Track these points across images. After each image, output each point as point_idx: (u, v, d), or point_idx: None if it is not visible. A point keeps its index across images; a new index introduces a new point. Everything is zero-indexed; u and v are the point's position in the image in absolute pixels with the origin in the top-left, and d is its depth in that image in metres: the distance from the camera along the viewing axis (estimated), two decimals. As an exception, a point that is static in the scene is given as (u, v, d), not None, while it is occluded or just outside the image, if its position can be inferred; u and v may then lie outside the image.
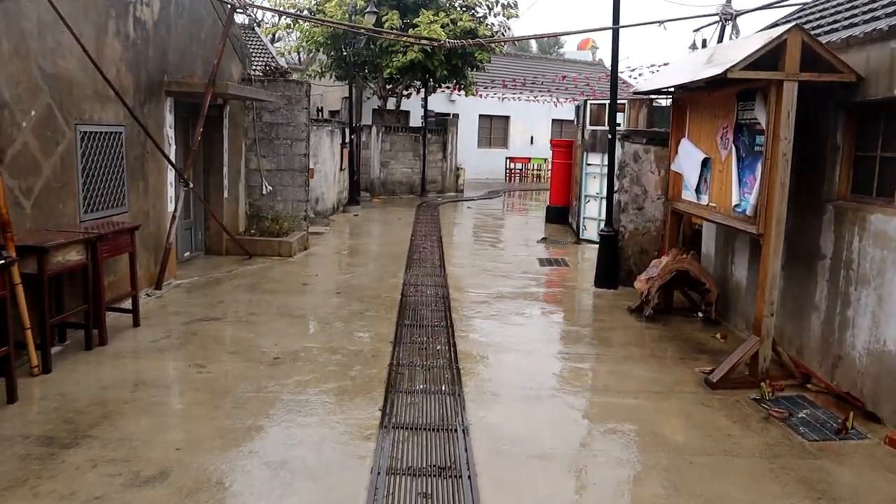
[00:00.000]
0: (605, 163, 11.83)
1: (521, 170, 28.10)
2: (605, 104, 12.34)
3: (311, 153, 13.59)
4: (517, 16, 19.12)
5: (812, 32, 5.59)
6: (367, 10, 15.74)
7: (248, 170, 10.49)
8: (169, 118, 7.81)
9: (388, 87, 21.20)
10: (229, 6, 8.42)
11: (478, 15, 19.27)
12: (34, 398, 4.49)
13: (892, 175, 4.87)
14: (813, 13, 6.97)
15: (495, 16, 19.48)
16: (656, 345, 6.30)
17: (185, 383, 4.88)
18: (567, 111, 29.09)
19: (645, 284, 7.17)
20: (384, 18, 18.01)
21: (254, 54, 18.86)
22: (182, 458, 3.73)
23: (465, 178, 22.85)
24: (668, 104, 12.11)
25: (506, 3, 19.42)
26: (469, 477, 3.63)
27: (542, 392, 4.97)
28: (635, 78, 20.97)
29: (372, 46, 18.86)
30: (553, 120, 29.68)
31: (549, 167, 27.35)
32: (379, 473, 3.63)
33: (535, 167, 28.23)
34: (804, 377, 5.40)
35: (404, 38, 15.92)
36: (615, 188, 8.92)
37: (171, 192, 7.90)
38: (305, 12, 18.90)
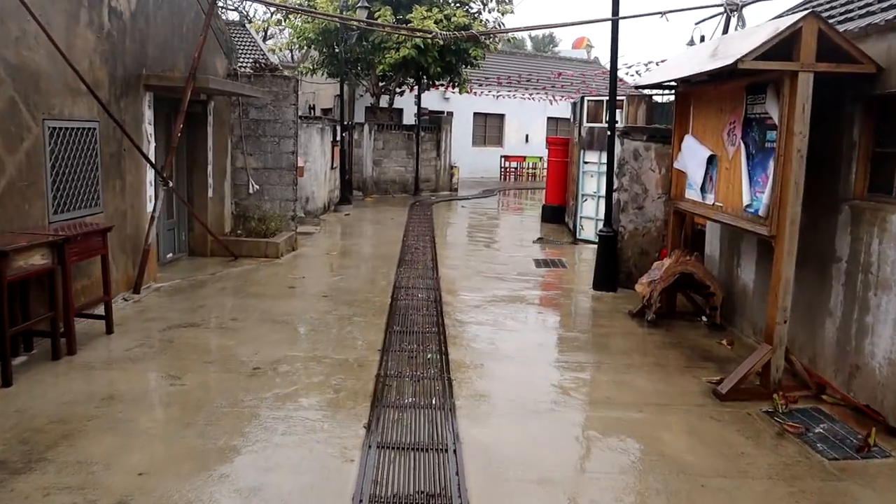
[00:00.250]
0: (603, 161, 11.52)
1: (516, 168, 27.79)
2: (602, 101, 12.04)
3: (301, 151, 13.23)
4: (512, 11, 18.81)
5: (826, 21, 5.27)
6: (359, 4, 15.38)
7: (234, 168, 10.13)
8: (148, 114, 7.44)
9: (380, 84, 20.83)
10: (212, -3, 8.06)
11: (472, 11, 18.93)
12: (-11, 415, 4.14)
13: (915, 173, 4.56)
14: (822, 2, 6.66)
15: (489, 11, 19.17)
16: (660, 352, 5.98)
17: (156, 397, 4.53)
18: (562, 109, 28.79)
19: (647, 288, 6.85)
20: (377, 14, 17.65)
21: (244, 51, 18.47)
22: (145, 485, 3.38)
23: (460, 176, 22.51)
24: (668, 100, 11.83)
25: (500, -1, 19.13)
26: (461, 505, 3.30)
27: (540, 406, 4.64)
28: (632, 75, 20.68)
29: (364, 43, 18.49)
30: (548, 118, 29.37)
31: (545, 165, 27.14)
32: (361, 502, 3.29)
33: (531, 166, 27.91)
34: (818, 388, 5.08)
35: (397, 31, 15.57)
36: (614, 187, 8.59)
37: (150, 191, 7.53)
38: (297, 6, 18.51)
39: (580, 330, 6.66)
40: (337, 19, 13.66)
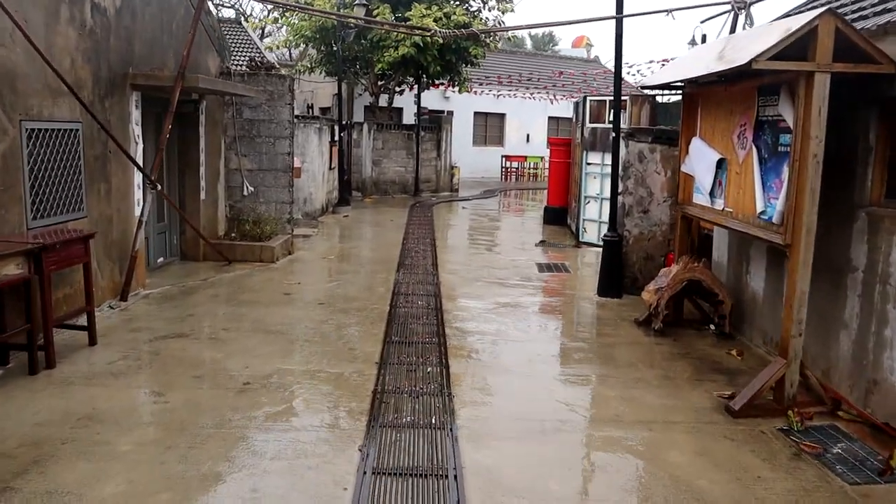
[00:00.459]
0: (606, 162, 11.28)
1: (516, 168, 27.53)
2: (605, 100, 11.78)
3: (299, 151, 12.98)
4: (512, 10, 18.54)
5: (843, 19, 5.01)
6: (357, 2, 15.12)
7: (227, 170, 9.88)
8: (135, 114, 7.19)
9: (379, 83, 20.57)
10: (203, -7, 7.80)
11: (472, 9, 18.66)
12: (-41, 437, 3.89)
13: (940, 179, 4.32)
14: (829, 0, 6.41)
15: (490, 10, 18.89)
16: (668, 364, 5.74)
17: (137, 416, 4.28)
18: (563, 108, 28.54)
19: (654, 295, 6.60)
20: (375, 12, 17.39)
21: (240, 49, 18.19)
22: (119, 518, 3.14)
23: (460, 177, 22.26)
24: (672, 100, 11.57)
25: (500, -3, 18.85)
26: (460, 540, 3.05)
27: (545, 425, 4.39)
28: (633, 75, 20.44)
29: (363, 41, 18.23)
30: (549, 118, 29.13)
31: (546, 166, 26.89)
32: (353, 537, 3.05)
33: (532, 166, 27.67)
34: (834, 403, 4.84)
35: (395, 29, 15.31)
36: (619, 190, 8.34)
37: (137, 194, 7.28)
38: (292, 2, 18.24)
39: (585, 340, 6.41)
40: (334, 17, 13.39)
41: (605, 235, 8.19)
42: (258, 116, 9.89)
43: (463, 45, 18.29)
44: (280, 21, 20.35)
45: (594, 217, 11.61)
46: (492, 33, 19.19)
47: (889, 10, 5.05)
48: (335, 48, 17.27)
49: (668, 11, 7.20)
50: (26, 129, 5.31)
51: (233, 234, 9.70)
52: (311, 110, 23.72)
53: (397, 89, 21.29)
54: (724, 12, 7.89)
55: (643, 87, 7.21)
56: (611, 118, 11.47)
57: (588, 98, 11.97)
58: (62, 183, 5.87)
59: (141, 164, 7.28)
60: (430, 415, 4.43)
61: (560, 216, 14.24)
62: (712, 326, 6.75)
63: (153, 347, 5.59)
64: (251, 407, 4.45)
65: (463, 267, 9.61)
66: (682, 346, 6.23)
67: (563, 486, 3.61)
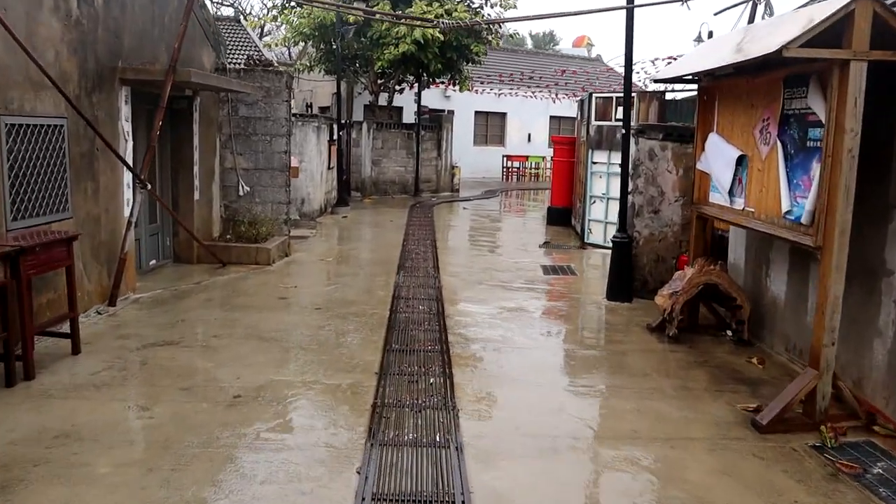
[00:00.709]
0: (613, 160, 10.97)
1: (518, 168, 27.21)
2: (611, 97, 11.47)
3: (297, 150, 12.67)
4: (514, 6, 18.21)
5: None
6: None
7: (222, 169, 9.56)
8: (125, 110, 6.87)
9: (379, 81, 20.25)
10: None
11: (473, 5, 18.33)
12: (-78, 458, 3.57)
13: None
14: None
15: (491, 6, 18.56)
16: (685, 373, 5.42)
17: (119, 434, 3.95)
18: (565, 107, 28.23)
19: (668, 300, 6.28)
20: (375, 8, 17.07)
21: (238, 47, 17.89)
22: (91, 553, 2.81)
23: (461, 177, 21.93)
24: (682, 97, 11.26)
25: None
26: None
27: (558, 442, 4.07)
28: (637, 73, 20.12)
29: (363, 39, 17.91)
30: (551, 116, 28.81)
31: (548, 165, 26.57)
32: (351, 576, 2.73)
33: (533, 165, 27.34)
34: (869, 417, 4.52)
35: (397, 21, 15.00)
36: (628, 189, 8.02)
37: (127, 193, 6.96)
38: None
39: (596, 347, 6.09)
40: (334, 7, 13.07)
41: (614, 237, 7.87)
42: (254, 114, 9.58)
43: (464, 42, 17.97)
44: (279, 19, 20.01)
45: (600, 217, 11.29)
46: (494, 30, 18.88)
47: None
48: (334, 46, 16.96)
49: (683, 1, 6.88)
50: (6, 125, 4.99)
51: (228, 236, 9.38)
52: (309, 109, 23.41)
53: (397, 88, 20.97)
54: (741, 2, 7.57)
55: (655, 81, 6.89)
56: (617, 116, 11.19)
57: (594, 95, 11.65)
58: (45, 182, 5.55)
59: (131, 162, 6.96)
60: (433, 431, 4.11)
61: (564, 216, 13.92)
62: (729, 332, 6.43)
63: (140, 356, 5.27)
64: (241, 423, 4.13)
65: (465, 269, 9.29)
66: (698, 354, 5.91)
67: (583, 514, 3.29)
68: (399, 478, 3.53)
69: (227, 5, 27.24)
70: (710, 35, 19.90)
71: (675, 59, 18.48)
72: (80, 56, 6.00)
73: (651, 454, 3.97)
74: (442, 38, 16.98)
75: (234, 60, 14.82)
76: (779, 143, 4.94)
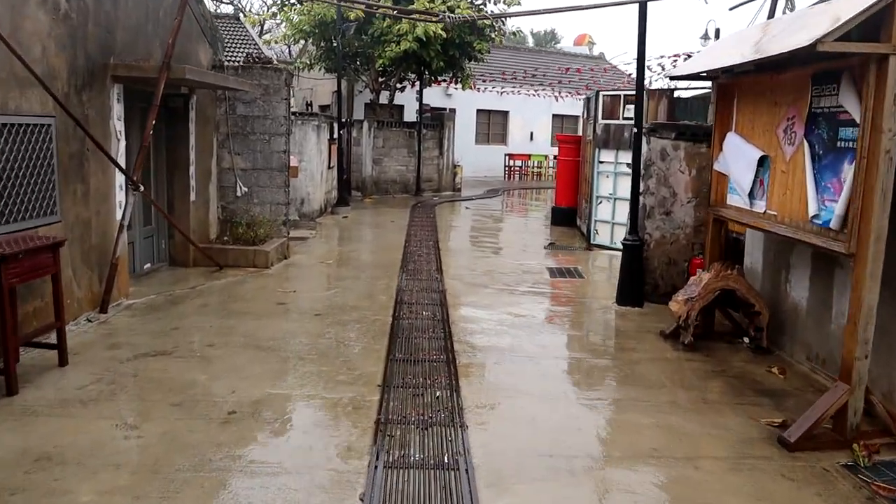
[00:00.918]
0: (620, 160, 10.71)
1: (520, 167, 26.94)
2: (619, 95, 11.20)
3: (296, 150, 12.41)
4: (519, 2, 17.91)
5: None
6: (357, -5, 14.49)
7: (220, 169, 9.30)
8: (117, 108, 6.61)
9: (380, 79, 19.97)
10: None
11: (476, 2, 18.04)
12: None
13: None
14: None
15: (495, 3, 18.27)
16: (704, 384, 5.15)
17: (105, 456, 3.69)
18: (568, 105, 27.96)
19: (683, 306, 6.01)
20: (376, 3, 16.77)
21: (237, 45, 17.63)
22: None
23: (463, 176, 21.66)
24: (692, 95, 10.98)
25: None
26: None
27: (574, 462, 3.81)
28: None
29: (363, 37, 17.64)
30: (554, 115, 28.52)
31: (550, 164, 26.30)
32: None
33: (536, 164, 27.08)
34: (902, 433, 4.26)
35: (402, 16, 14.72)
36: (639, 190, 7.75)
37: (119, 196, 6.70)
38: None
39: (609, 356, 5.82)
40: (334, 2, 12.80)
41: (625, 239, 7.60)
42: (252, 112, 9.31)
43: (467, 39, 17.69)
44: (279, 16, 19.72)
45: (607, 218, 11.02)
46: (498, 27, 18.59)
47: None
48: (335, 43, 16.68)
49: (699, -5, 6.59)
50: (-14, 124, 4.73)
51: (225, 238, 9.12)
52: (310, 108, 23.13)
53: (398, 86, 20.69)
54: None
55: (672, 78, 6.63)
56: (625, 114, 10.93)
57: (601, 93, 11.38)
58: (31, 184, 5.29)
59: (124, 162, 6.70)
60: (441, 451, 3.84)
61: (569, 217, 13.65)
62: (747, 339, 6.17)
63: (131, 368, 5.01)
64: (236, 442, 3.87)
65: (469, 272, 9.02)
66: (715, 363, 5.65)
67: (607, 549, 3.03)
68: (405, 505, 3.27)
69: (227, 3, 26.97)
70: (717, 33, 19.62)
71: (679, 56, 18.20)
72: (69, 52, 5.73)
73: (674, 475, 3.72)
74: (444, 35, 16.70)
75: (233, 58, 14.56)
76: (805, 144, 4.67)
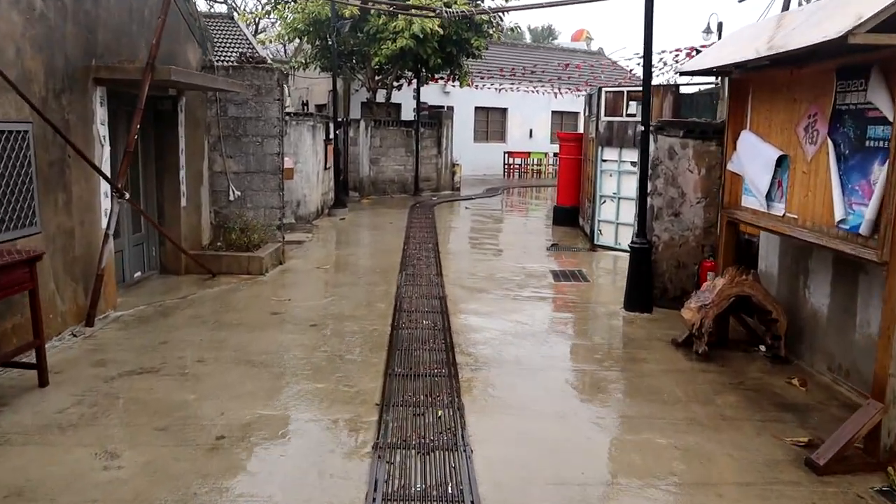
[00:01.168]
0: (624, 159, 10.42)
1: (520, 165, 26.64)
2: (622, 91, 10.91)
3: (291, 151, 12.12)
4: (517, -3, 17.58)
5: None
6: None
7: (211, 172, 9.00)
8: (100, 113, 6.31)
9: (377, 78, 19.64)
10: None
11: (473, -2, 17.72)
12: None
13: None
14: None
15: (493, -1, 17.97)
16: (721, 398, 4.87)
17: (80, 490, 3.41)
18: (568, 102, 27.66)
19: (696, 314, 5.73)
20: (371, 4, 16.47)
21: (231, 45, 17.33)
22: None
23: (462, 174, 21.35)
24: (698, 91, 10.68)
25: (503, -14, 17.88)
26: None
27: (589, 492, 3.53)
28: (640, 66, 19.53)
29: (359, 34, 17.31)
30: (553, 112, 28.21)
31: (550, 162, 26.01)
32: None
33: (535, 162, 26.78)
34: (937, 453, 3.98)
35: (398, 11, 14.41)
36: (647, 190, 7.46)
37: (105, 203, 6.40)
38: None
39: (619, 367, 5.54)
40: None
41: (632, 242, 7.31)
42: (245, 114, 9.01)
43: (464, 36, 17.37)
44: (272, 14, 19.40)
45: (611, 218, 10.74)
46: (496, 23, 18.27)
47: None
48: (330, 42, 16.36)
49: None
50: (-45, 131, 4.44)
51: (219, 244, 8.83)
52: (305, 108, 22.81)
53: (395, 84, 20.38)
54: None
55: (681, 74, 6.33)
56: (628, 111, 10.64)
57: (603, 89, 11.08)
58: (8, 194, 5.00)
59: (109, 168, 6.41)
60: (444, 480, 3.56)
61: (571, 216, 13.37)
62: (763, 348, 5.89)
63: (115, 388, 4.72)
64: (223, 472, 3.58)
65: (470, 276, 8.73)
66: (732, 374, 5.37)
67: None
68: (407, 547, 2.99)
69: (220, 2, 26.64)
70: (720, 27, 19.28)
71: (681, 51, 17.89)
72: (46, 53, 5.43)
73: (697, 502, 3.44)
74: (441, 31, 16.39)
75: (227, 58, 14.26)
76: (829, 143, 4.39)
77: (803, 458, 3.92)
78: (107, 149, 6.40)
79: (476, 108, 26.54)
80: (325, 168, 15.06)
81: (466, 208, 16.70)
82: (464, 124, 25.02)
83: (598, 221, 11.00)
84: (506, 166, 26.37)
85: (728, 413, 4.61)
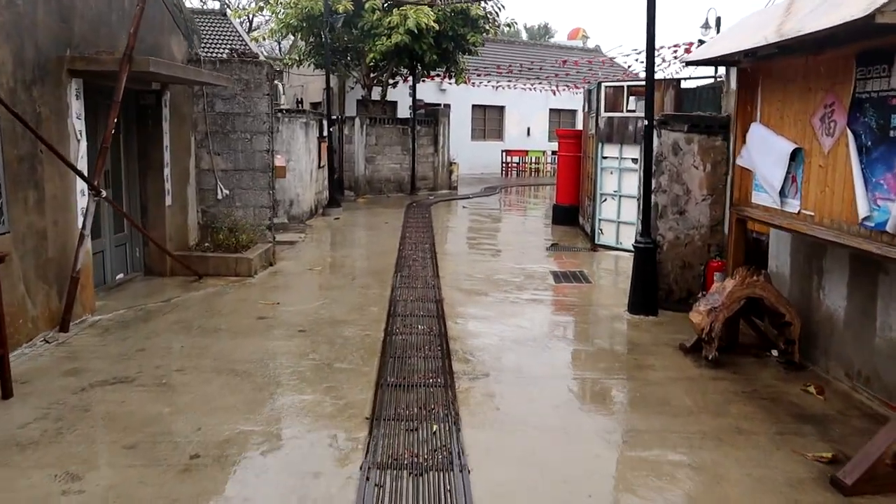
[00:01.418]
0: (625, 155, 10.12)
1: (517, 163, 26.34)
2: (622, 87, 10.61)
3: (284, 149, 11.79)
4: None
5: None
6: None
7: (198, 170, 8.68)
8: (76, 106, 5.98)
9: (372, 75, 19.34)
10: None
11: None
12: None
13: None
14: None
15: (489, -2, 17.64)
16: (735, 408, 4.56)
17: (35, 518, 3.09)
18: (566, 100, 27.38)
19: (706, 318, 5.42)
20: (365, 2, 16.19)
21: (223, 40, 17.03)
22: None
23: (459, 173, 21.03)
24: (701, 85, 10.38)
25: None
26: None
27: (596, 517, 3.21)
28: (642, 62, 19.21)
29: (353, 31, 17.00)
30: (551, 109, 27.91)
31: (548, 160, 25.71)
32: None
33: (533, 160, 26.48)
34: (973, 470, 3.67)
35: (389, 5, 14.10)
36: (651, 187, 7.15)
37: (82, 202, 6.08)
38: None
39: (625, 375, 5.22)
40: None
41: (636, 242, 7.00)
42: (233, 109, 8.69)
43: (460, 31, 17.06)
44: (265, 10, 19.08)
45: (612, 217, 10.43)
46: (492, 18, 17.96)
47: None
48: (323, 38, 16.04)
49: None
50: None
51: (206, 244, 8.51)
52: (300, 105, 22.48)
53: (391, 81, 20.07)
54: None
55: (687, 64, 6.04)
56: (629, 107, 10.34)
57: (603, 84, 10.77)
58: (-30, 192, 4.67)
59: (86, 164, 6.09)
60: (440, 505, 3.25)
61: (570, 215, 13.06)
62: (775, 353, 5.59)
63: (84, 400, 4.39)
64: (196, 497, 3.26)
65: (468, 278, 8.42)
66: (744, 382, 5.06)
67: None
68: (395, 585, 2.67)
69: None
70: (718, 21, 18.94)
71: (679, 46, 17.59)
72: (14, 42, 5.10)
73: (716, 532, 3.13)
74: (437, 27, 16.09)
75: (218, 54, 13.94)
76: (849, 134, 4.09)
77: (828, 476, 3.61)
78: (83, 144, 6.07)
79: (473, 106, 26.23)
80: (319, 166, 14.73)
81: (464, 207, 16.39)
82: (461, 122, 24.70)
83: (599, 220, 10.69)
84: (503, 165, 26.07)
85: (743, 425, 4.29)
